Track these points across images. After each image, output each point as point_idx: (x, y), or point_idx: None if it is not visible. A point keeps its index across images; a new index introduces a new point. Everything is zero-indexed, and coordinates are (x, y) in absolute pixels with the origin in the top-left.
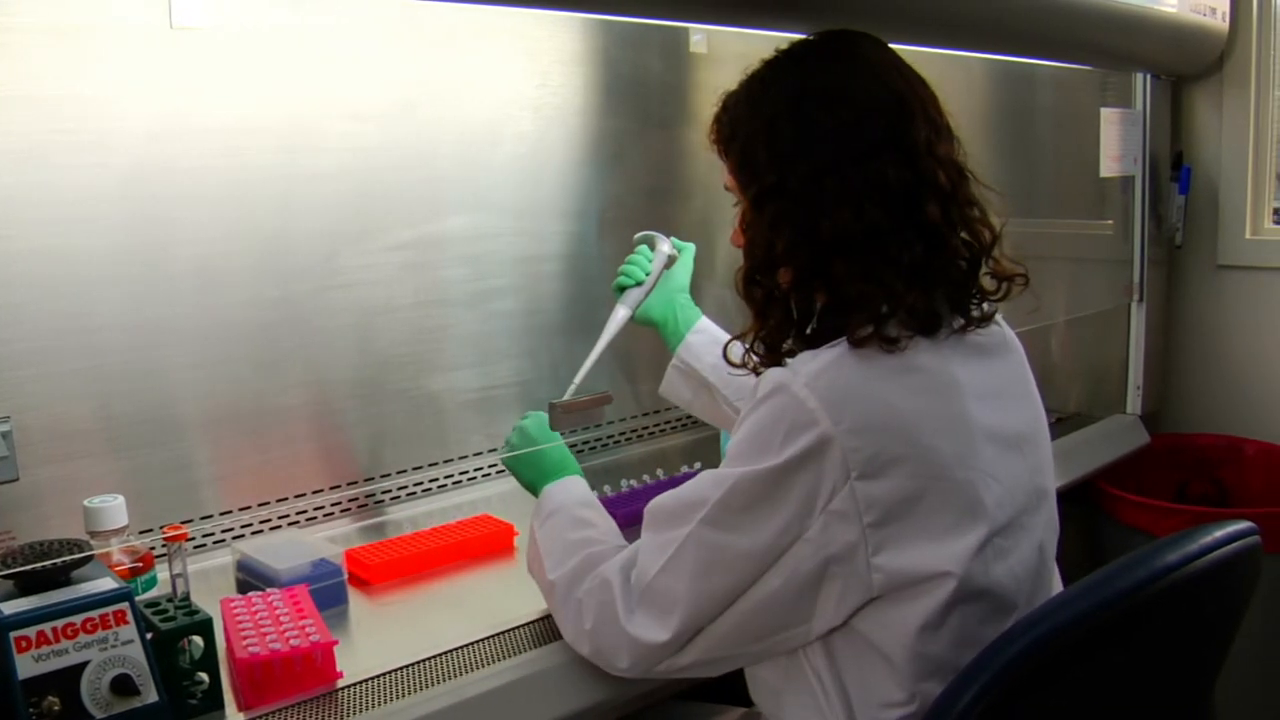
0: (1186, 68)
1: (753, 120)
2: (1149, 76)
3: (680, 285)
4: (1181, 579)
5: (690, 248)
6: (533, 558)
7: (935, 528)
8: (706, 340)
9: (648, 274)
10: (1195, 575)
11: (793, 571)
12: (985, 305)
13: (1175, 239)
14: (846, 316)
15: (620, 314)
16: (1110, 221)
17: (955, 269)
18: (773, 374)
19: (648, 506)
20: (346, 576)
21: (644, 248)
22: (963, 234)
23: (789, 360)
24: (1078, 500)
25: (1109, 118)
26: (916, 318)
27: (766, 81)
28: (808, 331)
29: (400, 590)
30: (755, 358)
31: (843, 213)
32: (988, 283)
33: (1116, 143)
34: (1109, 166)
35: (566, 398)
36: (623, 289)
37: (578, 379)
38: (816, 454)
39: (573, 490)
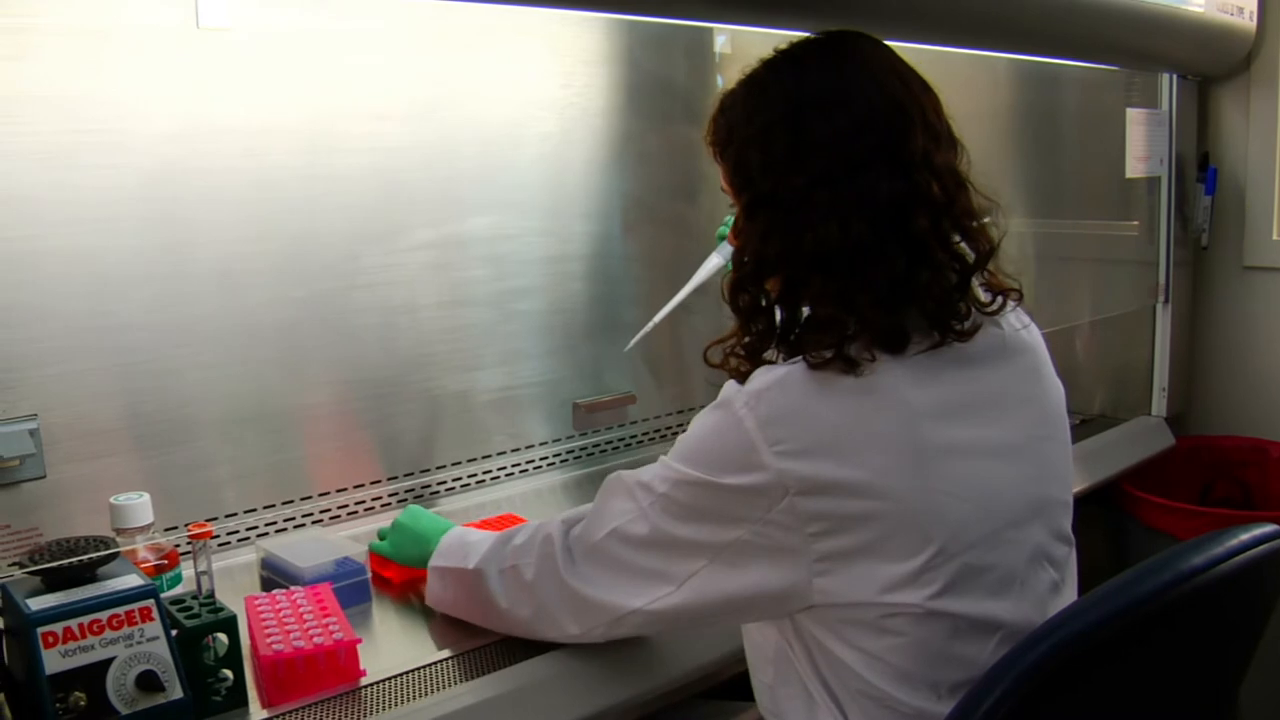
0: (1213, 68)
1: (748, 125)
2: (1175, 77)
3: None
4: (1206, 582)
5: None
6: (438, 589)
7: (882, 549)
8: None
9: None
10: (1220, 578)
11: (729, 570)
12: (971, 319)
13: (1201, 240)
14: (814, 335)
15: (714, 261)
16: (1136, 223)
17: (939, 284)
18: (728, 386)
19: (608, 477)
20: (370, 576)
21: None
22: (959, 245)
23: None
24: (1101, 502)
25: (1135, 118)
26: (882, 336)
27: (764, 85)
28: (790, 339)
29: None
30: (734, 362)
31: (830, 226)
32: (980, 294)
33: (1142, 143)
34: (1135, 167)
35: (639, 336)
36: (723, 238)
37: (658, 317)
38: (750, 487)
39: (465, 529)
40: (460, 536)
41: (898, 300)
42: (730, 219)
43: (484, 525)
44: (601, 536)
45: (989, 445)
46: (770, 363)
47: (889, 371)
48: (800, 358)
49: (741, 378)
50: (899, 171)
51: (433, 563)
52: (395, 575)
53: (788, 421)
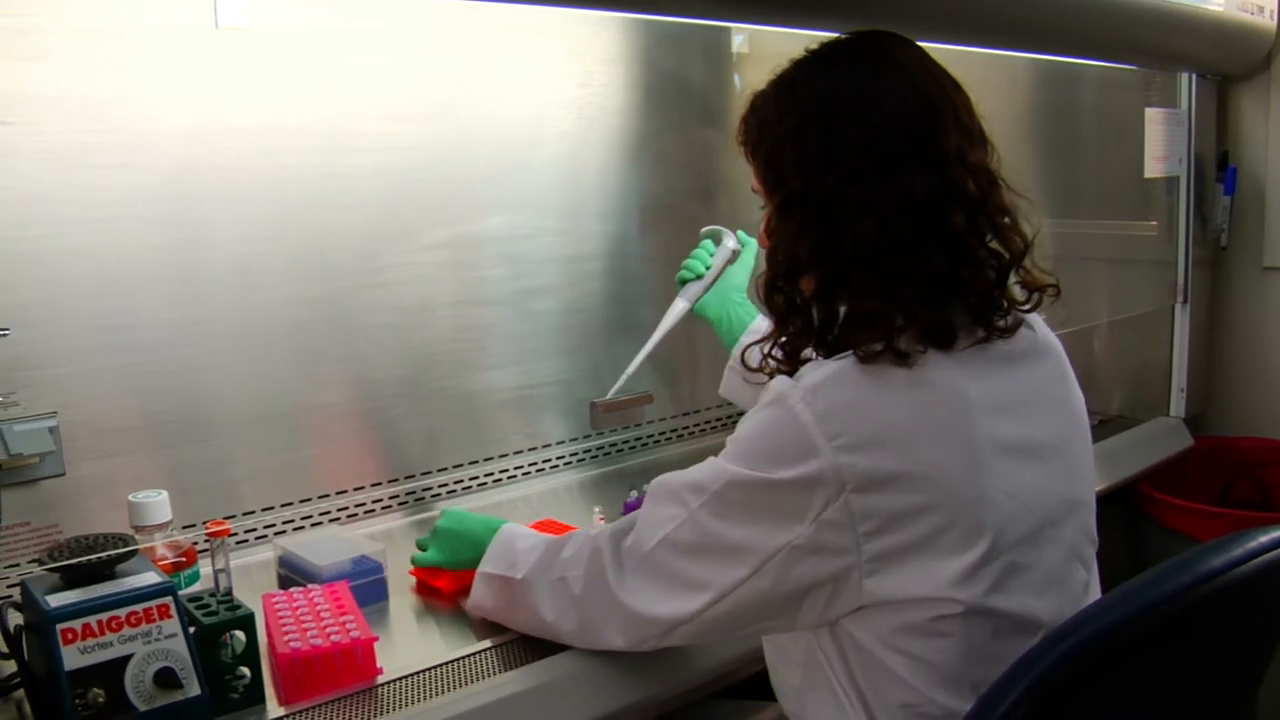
0: (1233, 67)
1: (781, 124)
2: (1194, 76)
3: (738, 284)
4: (1225, 584)
5: (753, 244)
6: (484, 597)
7: (935, 545)
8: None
9: (709, 268)
10: (1240, 580)
11: (781, 574)
12: (1011, 316)
13: (1220, 240)
14: (861, 329)
15: (679, 306)
16: (1155, 223)
17: (980, 280)
18: (777, 382)
19: (654, 481)
20: (415, 583)
21: (708, 242)
22: (992, 243)
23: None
24: (1120, 503)
25: (1154, 118)
26: (930, 332)
27: (796, 84)
28: (829, 338)
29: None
30: (773, 363)
31: (867, 224)
32: (1017, 292)
33: (1161, 143)
34: (1154, 167)
35: (617, 387)
36: (684, 282)
37: (630, 369)
38: (808, 480)
39: (515, 529)
40: (508, 542)
41: (942, 296)
42: (691, 261)
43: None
44: (652, 546)
45: (1031, 443)
46: (810, 360)
47: (941, 365)
48: (849, 353)
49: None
50: (933, 169)
51: (481, 568)
52: (447, 584)
53: (845, 415)
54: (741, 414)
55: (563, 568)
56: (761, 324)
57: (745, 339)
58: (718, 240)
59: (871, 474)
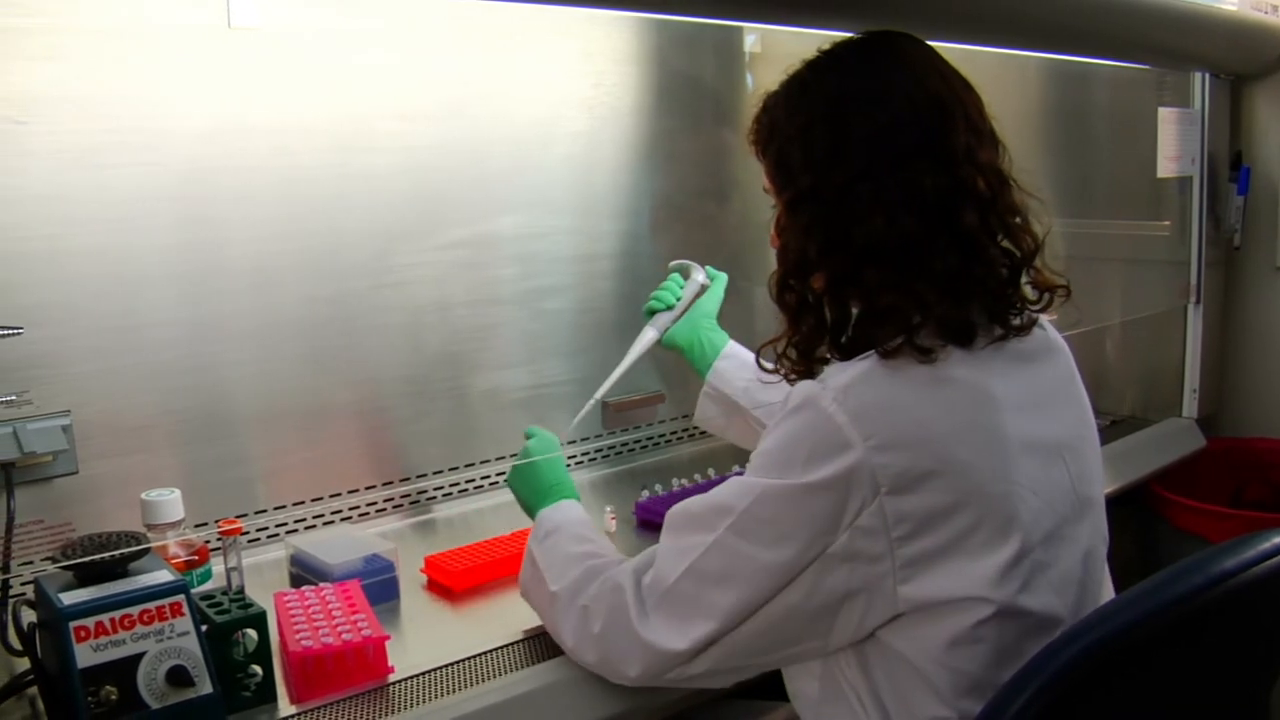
0: (1246, 66)
1: (790, 123)
2: (1208, 75)
3: (707, 312)
4: (1238, 585)
5: (722, 278)
6: (529, 577)
7: (968, 544)
8: (735, 364)
9: (678, 299)
10: (1252, 582)
11: (814, 587)
12: (1025, 315)
13: (1234, 240)
14: (878, 326)
15: (648, 335)
16: (1167, 223)
17: (993, 278)
18: (802, 387)
19: (669, 511)
20: (427, 582)
21: (676, 275)
22: (1004, 242)
23: (822, 370)
24: (1132, 504)
25: (1166, 117)
26: (949, 328)
27: (806, 83)
28: (842, 340)
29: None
30: (788, 364)
31: (876, 220)
32: (1029, 292)
33: (1174, 143)
34: (1166, 167)
35: (585, 412)
36: (653, 312)
37: (598, 394)
38: (844, 477)
39: (570, 512)
40: (556, 535)
41: (958, 294)
42: (660, 293)
43: None
44: (676, 578)
45: (1052, 441)
46: (824, 360)
47: (964, 363)
48: (871, 353)
49: (797, 378)
50: (942, 167)
51: (529, 543)
52: (456, 585)
53: (878, 414)
54: None
55: (589, 599)
56: (735, 349)
57: (720, 363)
58: (686, 274)
59: (905, 474)
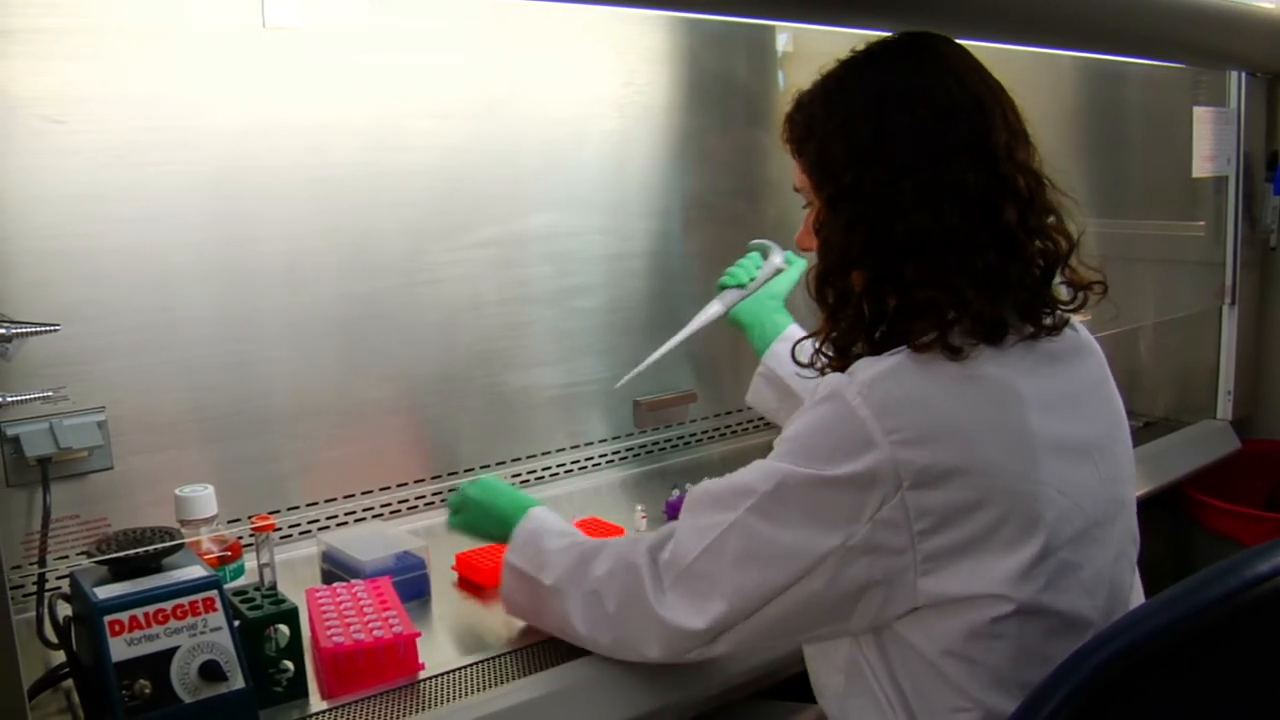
0: None
1: (829, 119)
2: (1244, 74)
3: (775, 293)
4: (1273, 589)
5: (800, 263)
6: (512, 588)
7: (991, 542)
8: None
9: (752, 279)
10: None
11: (834, 576)
12: (1056, 314)
13: (1270, 240)
14: (913, 321)
15: (713, 309)
16: (1202, 223)
17: (1030, 276)
18: (830, 379)
19: (691, 490)
20: (457, 579)
21: (755, 254)
22: (1038, 242)
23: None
24: (1165, 506)
25: (1202, 116)
26: (982, 325)
27: (844, 81)
28: (877, 335)
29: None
30: (825, 359)
31: (920, 215)
32: (1062, 292)
33: (1209, 142)
34: (1201, 166)
35: (637, 371)
36: (724, 287)
37: (652, 357)
38: (866, 474)
39: (543, 518)
40: (535, 538)
41: (994, 290)
42: (735, 270)
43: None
44: (695, 557)
45: (1082, 442)
46: (860, 356)
47: (992, 361)
48: (902, 348)
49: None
50: (983, 164)
51: (508, 557)
52: (487, 582)
53: (902, 409)
54: None
55: (596, 582)
56: (796, 331)
57: (778, 345)
58: (765, 254)
59: (928, 469)
